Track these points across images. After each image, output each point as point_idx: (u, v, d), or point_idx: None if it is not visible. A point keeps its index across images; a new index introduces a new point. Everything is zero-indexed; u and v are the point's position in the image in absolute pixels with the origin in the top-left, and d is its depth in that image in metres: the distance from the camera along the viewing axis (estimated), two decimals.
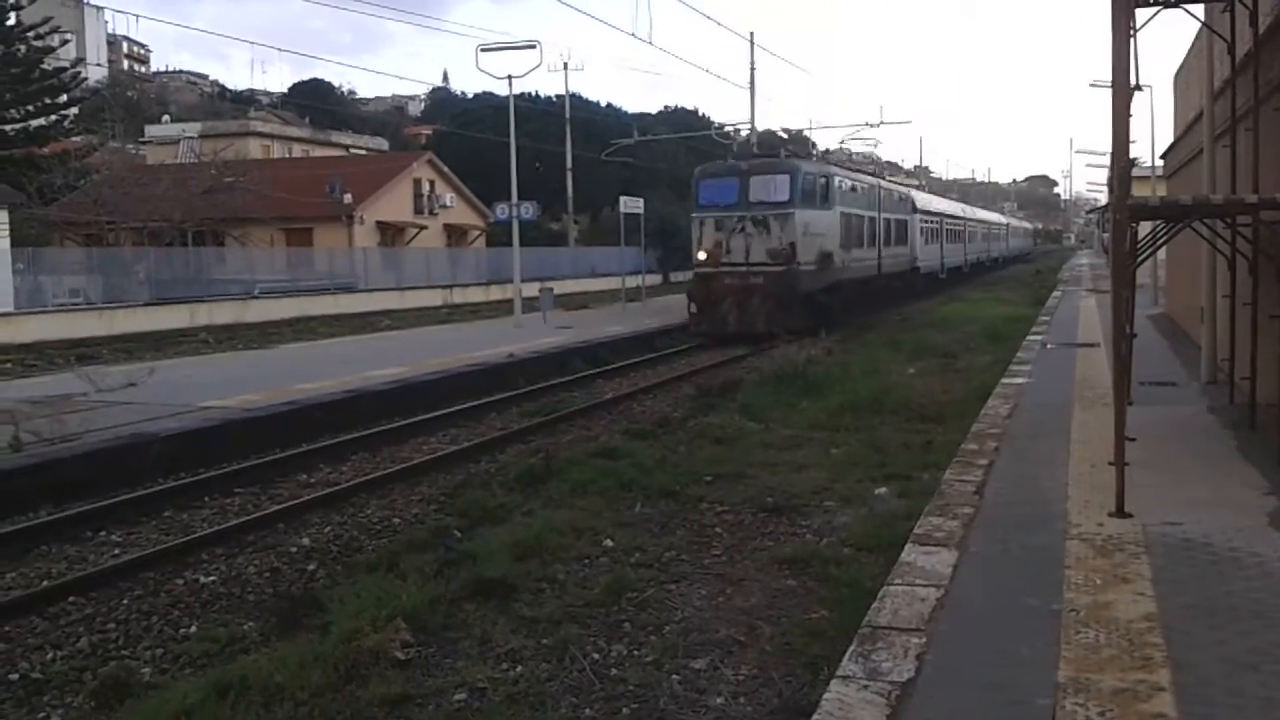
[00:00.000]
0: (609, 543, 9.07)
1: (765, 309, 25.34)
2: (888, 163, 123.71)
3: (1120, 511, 7.38)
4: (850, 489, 10.65)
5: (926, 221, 42.89)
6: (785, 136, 73.48)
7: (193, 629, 7.65)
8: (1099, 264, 59.33)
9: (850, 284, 29.41)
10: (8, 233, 35.57)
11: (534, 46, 29.04)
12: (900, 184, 43.96)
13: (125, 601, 8.16)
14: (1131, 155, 8.72)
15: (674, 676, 6.42)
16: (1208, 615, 5.48)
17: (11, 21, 50.57)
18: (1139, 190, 20.71)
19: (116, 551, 9.54)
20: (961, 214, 56.47)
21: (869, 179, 34.12)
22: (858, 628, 5.46)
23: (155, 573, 8.77)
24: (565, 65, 56.21)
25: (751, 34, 49.43)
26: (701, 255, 26.54)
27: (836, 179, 28.65)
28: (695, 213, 27.32)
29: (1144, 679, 4.72)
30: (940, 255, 46.57)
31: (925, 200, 45.72)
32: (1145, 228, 10.74)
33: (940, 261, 46.60)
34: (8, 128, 50.09)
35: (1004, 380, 14.62)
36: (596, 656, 6.77)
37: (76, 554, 9.47)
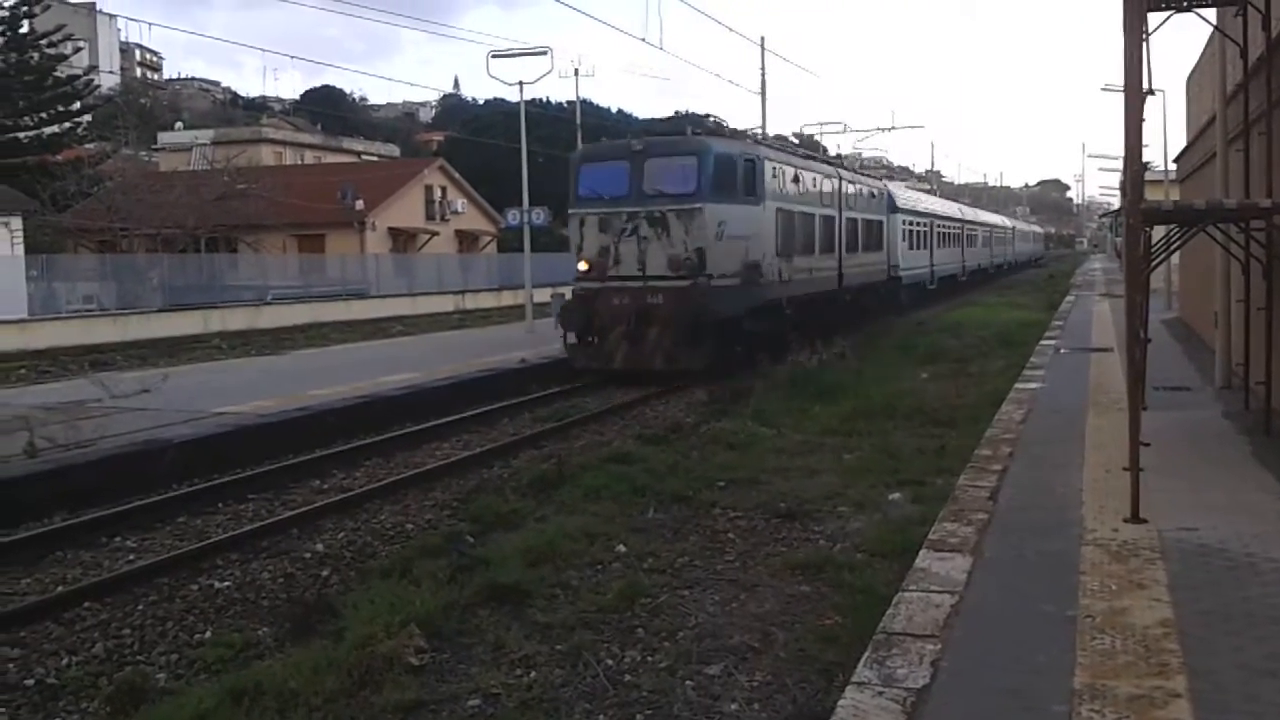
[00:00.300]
0: (622, 548, 9.08)
1: (665, 340, 18.93)
2: (899, 167, 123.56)
3: (1135, 517, 7.36)
4: (863, 494, 10.64)
5: (911, 223, 37.56)
6: (796, 141, 73.46)
7: (207, 634, 7.66)
8: (1112, 268, 59.14)
9: (796, 302, 23.03)
10: (22, 239, 35.81)
11: (545, 53, 28.80)
12: (873, 177, 37.51)
13: (140, 607, 8.18)
14: (1144, 159, 8.70)
15: (688, 683, 6.42)
16: (1224, 621, 5.46)
17: (25, 29, 50.91)
18: (1152, 194, 20.69)
19: (131, 557, 9.56)
20: (958, 215, 51.65)
21: (823, 167, 27.31)
22: (872, 634, 5.45)
23: (170, 578, 8.79)
24: (576, 71, 56.12)
25: (762, 39, 49.56)
26: (582, 265, 20.07)
27: (768, 164, 21.74)
28: (573, 208, 20.81)
29: (1160, 685, 4.70)
30: (929, 262, 41.10)
31: (909, 198, 40.40)
32: (1159, 232, 10.72)
33: (930, 270, 41.14)
34: (21, 135, 50.39)
35: (1017, 385, 14.59)
36: (610, 662, 6.77)
37: (91, 560, 9.49)
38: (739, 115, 55.26)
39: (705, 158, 19.82)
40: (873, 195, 31.60)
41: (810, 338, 22.12)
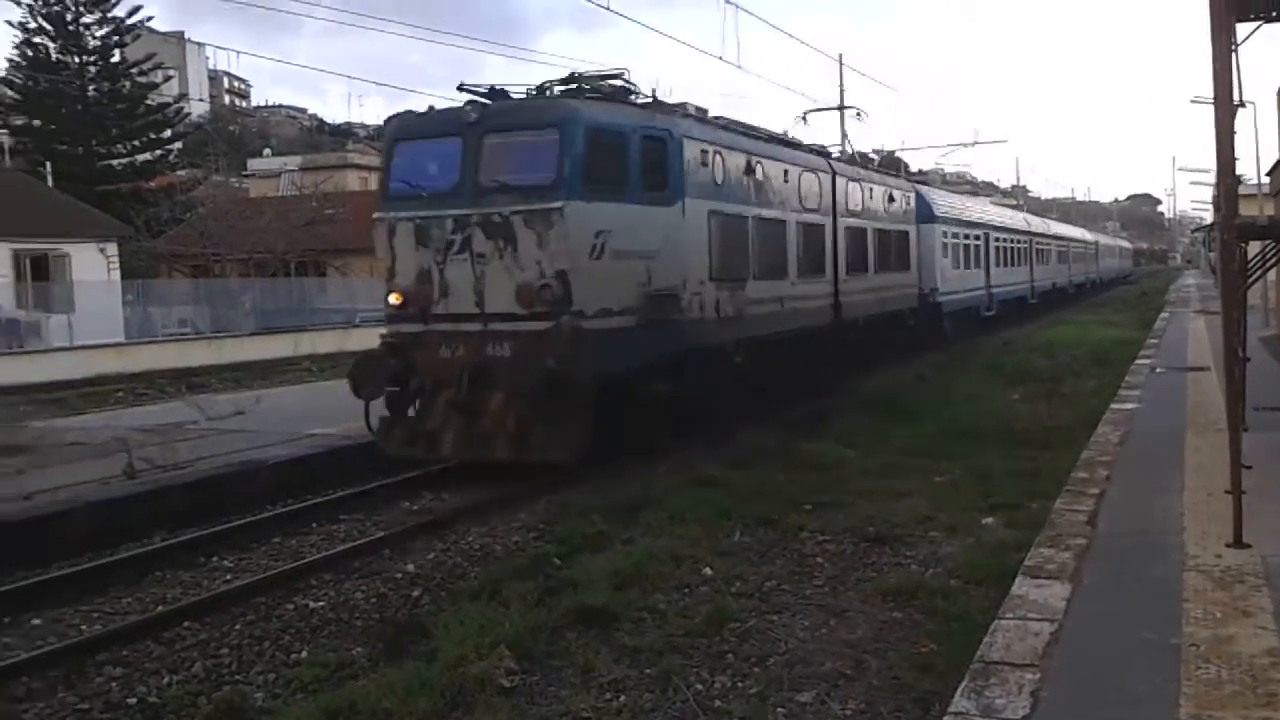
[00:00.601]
0: (708, 571, 9.04)
1: (512, 414, 12.35)
2: (984, 182, 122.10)
3: (1238, 542, 7.16)
4: (955, 518, 10.47)
5: (957, 236, 31.13)
6: (875, 157, 72.83)
7: (303, 654, 7.80)
8: (1206, 284, 57.70)
9: (752, 347, 16.24)
10: (118, 265, 36.95)
11: (621, 75, 28.93)
12: (897, 176, 29.86)
13: (238, 626, 8.34)
14: (1237, 173, 8.50)
15: (779, 710, 6.37)
16: None
17: (116, 59, 52.67)
18: (1246, 208, 20.16)
19: (228, 577, 9.78)
20: (1024, 226, 44.86)
21: (802, 156, 19.75)
22: (969, 663, 5.37)
23: (266, 598, 8.96)
24: (653, 92, 56.53)
25: (840, 55, 49.01)
26: (394, 298, 13.47)
27: (691, 145, 14.76)
28: (381, 209, 13.80)
29: (1269, 716, 4.58)
30: (985, 283, 34.54)
31: (953, 205, 33.47)
32: (1254, 247, 10.45)
33: (986, 292, 34.52)
34: (115, 162, 52.12)
35: (1113, 405, 14.30)
36: (700, 688, 6.73)
37: (190, 579, 9.73)
38: (819, 133, 54.87)
39: (570, 130, 12.83)
40: (891, 199, 24.78)
41: (781, 397, 17.28)
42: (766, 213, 17.21)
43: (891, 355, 23.90)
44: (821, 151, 22.12)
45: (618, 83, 14.84)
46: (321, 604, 8.87)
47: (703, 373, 14.84)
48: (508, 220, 12.65)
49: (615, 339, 12.95)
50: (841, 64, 45.81)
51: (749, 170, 16.61)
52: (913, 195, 27.42)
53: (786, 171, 18.24)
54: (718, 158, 15.58)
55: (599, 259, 12.89)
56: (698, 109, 16.23)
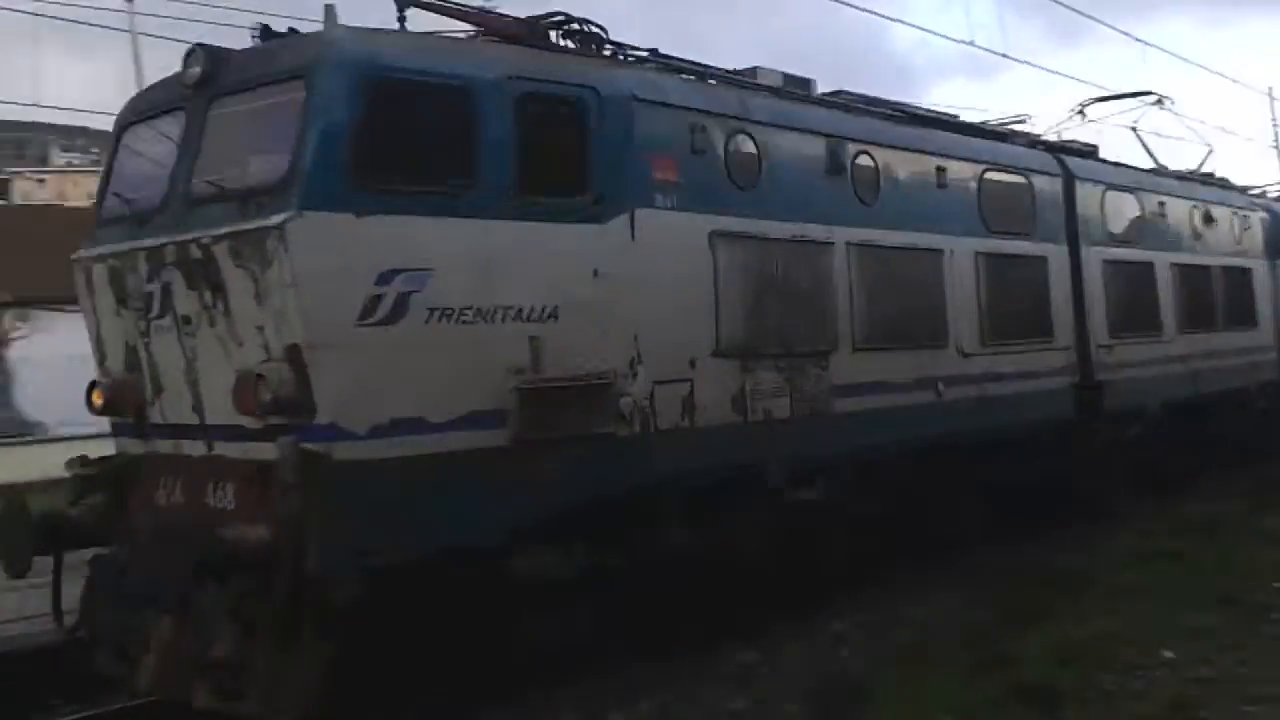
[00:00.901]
0: (1168, 654, 8.30)
1: (220, 634, 6.56)
2: None
3: None
4: None
5: None
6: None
7: (738, 704, 7.92)
8: None
9: (861, 474, 9.97)
10: None
11: (1023, 121, 26.44)
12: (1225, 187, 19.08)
13: (683, 673, 8.56)
14: None
15: None
16: None
17: None
18: None
19: None
20: None
21: (983, 146, 12.54)
22: None
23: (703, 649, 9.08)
24: (1058, 135, 54.03)
25: (1269, 89, 44.54)
26: (95, 397, 7.87)
27: (652, 113, 8.32)
28: (86, 244, 8.04)
29: None
30: None
31: None
32: None
33: None
34: None
35: None
36: None
37: None
38: (1250, 173, 49.70)
39: (326, 82, 6.87)
40: (1208, 219, 16.56)
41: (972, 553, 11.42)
42: (881, 236, 10.43)
43: (1231, 460, 16.15)
44: (1061, 147, 14.73)
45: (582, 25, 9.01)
46: (753, 656, 8.96)
47: (705, 534, 8.71)
48: (210, 254, 6.93)
49: (428, 480, 6.90)
50: (1272, 99, 42.28)
51: (835, 165, 9.99)
52: (1257, 216, 18.77)
53: (942, 170, 11.32)
54: (741, 140, 9.14)
55: (388, 324, 6.79)
56: (767, 79, 10.41)
